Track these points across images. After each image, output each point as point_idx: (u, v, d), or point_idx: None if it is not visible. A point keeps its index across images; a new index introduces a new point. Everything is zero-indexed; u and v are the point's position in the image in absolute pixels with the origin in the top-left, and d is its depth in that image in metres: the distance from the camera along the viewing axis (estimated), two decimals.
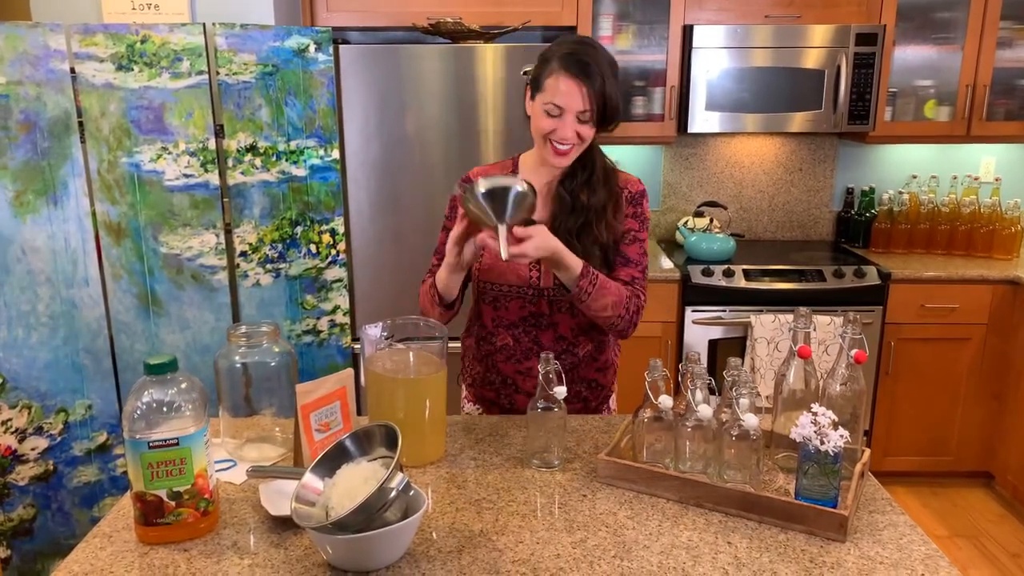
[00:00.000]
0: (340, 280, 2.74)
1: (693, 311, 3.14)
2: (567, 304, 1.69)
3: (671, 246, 3.60)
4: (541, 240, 1.47)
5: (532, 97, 1.61)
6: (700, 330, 3.16)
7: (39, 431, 2.42)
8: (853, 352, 1.37)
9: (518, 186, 1.42)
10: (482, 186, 1.42)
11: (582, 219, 1.64)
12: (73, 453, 2.47)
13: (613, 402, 1.89)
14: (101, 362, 2.46)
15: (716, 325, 3.15)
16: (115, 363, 2.48)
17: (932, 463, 3.33)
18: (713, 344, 3.17)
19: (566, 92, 1.53)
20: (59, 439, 2.45)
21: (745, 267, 3.18)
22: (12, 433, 2.38)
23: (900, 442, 3.30)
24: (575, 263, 1.55)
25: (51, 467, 2.46)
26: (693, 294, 3.13)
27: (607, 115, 1.56)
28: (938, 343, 3.19)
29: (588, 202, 1.64)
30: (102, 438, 2.50)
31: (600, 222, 1.64)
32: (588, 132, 1.58)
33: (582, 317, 1.70)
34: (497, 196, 1.41)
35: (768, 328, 3.05)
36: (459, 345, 1.88)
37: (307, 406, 1.40)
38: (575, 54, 1.54)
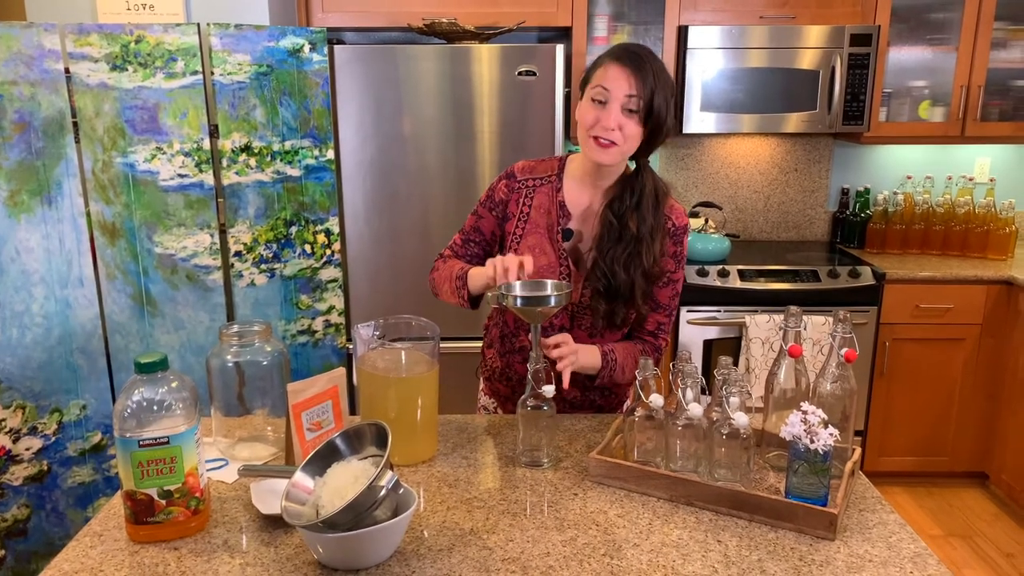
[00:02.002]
0: (335, 280, 2.74)
1: (688, 311, 3.15)
2: (587, 323, 1.67)
3: None
4: (570, 357, 1.54)
5: (581, 96, 1.60)
6: (695, 330, 3.16)
7: (33, 431, 2.42)
8: (843, 351, 1.37)
9: (552, 299, 1.45)
10: (519, 293, 1.46)
11: (630, 248, 1.60)
12: (67, 453, 2.47)
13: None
14: (95, 362, 2.46)
15: (711, 325, 3.16)
16: (109, 363, 2.48)
17: (927, 463, 3.33)
18: (708, 344, 3.17)
19: (614, 77, 1.52)
20: (53, 439, 2.45)
21: (740, 267, 3.18)
22: (6, 433, 2.38)
23: (895, 442, 3.30)
24: (594, 362, 1.61)
25: (45, 467, 2.45)
26: (688, 294, 3.14)
27: (656, 113, 1.52)
28: (933, 343, 3.20)
29: (637, 230, 1.59)
30: (96, 438, 2.50)
31: (649, 252, 1.60)
32: (632, 129, 1.53)
33: (601, 337, 1.68)
34: (532, 302, 1.46)
35: (763, 328, 3.05)
36: (453, 345, 1.89)
37: (298, 405, 1.40)
38: (628, 47, 1.55)
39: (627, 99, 1.51)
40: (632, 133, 1.54)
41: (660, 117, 1.53)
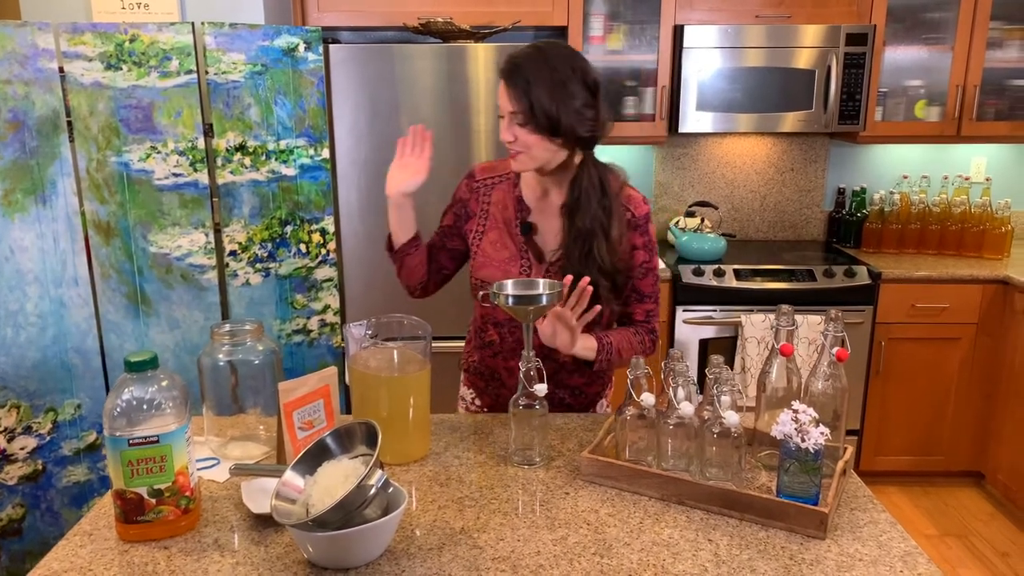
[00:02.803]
0: (330, 279, 2.74)
1: (684, 311, 3.15)
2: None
3: (662, 246, 3.61)
4: (564, 345, 1.56)
5: None
6: (691, 330, 3.16)
7: (28, 430, 2.42)
8: (835, 350, 1.37)
9: (544, 298, 1.46)
10: (510, 292, 1.49)
11: (584, 246, 1.60)
12: (62, 453, 2.47)
13: (601, 408, 1.87)
14: (90, 361, 2.46)
15: (707, 325, 3.16)
16: (104, 362, 2.48)
17: (923, 463, 3.34)
18: (704, 344, 3.17)
19: (500, 94, 1.56)
20: (48, 439, 2.45)
21: (736, 267, 3.18)
22: (1, 432, 2.38)
23: (891, 442, 3.31)
24: (590, 347, 1.61)
25: (40, 467, 2.45)
26: (684, 294, 3.14)
27: (541, 118, 1.51)
28: (929, 343, 3.20)
29: (584, 226, 1.60)
30: (91, 438, 2.50)
31: (599, 247, 1.59)
32: (529, 138, 1.54)
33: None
34: (523, 301, 1.48)
35: (759, 328, 3.05)
36: (445, 344, 1.90)
37: (290, 404, 1.40)
38: (510, 59, 1.55)
39: (511, 115, 1.54)
40: (529, 141, 1.54)
41: (551, 117, 1.51)
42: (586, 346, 1.60)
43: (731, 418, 1.30)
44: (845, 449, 1.41)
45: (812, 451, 1.24)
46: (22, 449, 2.42)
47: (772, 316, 3.00)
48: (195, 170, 2.45)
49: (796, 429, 1.24)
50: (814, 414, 1.26)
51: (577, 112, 1.52)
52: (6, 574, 2.47)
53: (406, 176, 1.69)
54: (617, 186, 1.64)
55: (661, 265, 3.23)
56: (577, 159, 1.61)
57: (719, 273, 3.14)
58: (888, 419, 3.28)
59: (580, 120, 1.53)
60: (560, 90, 1.51)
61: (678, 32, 3.20)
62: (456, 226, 1.79)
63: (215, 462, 1.51)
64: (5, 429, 2.38)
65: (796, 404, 1.27)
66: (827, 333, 1.38)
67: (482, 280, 1.72)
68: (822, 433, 1.24)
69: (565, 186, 1.64)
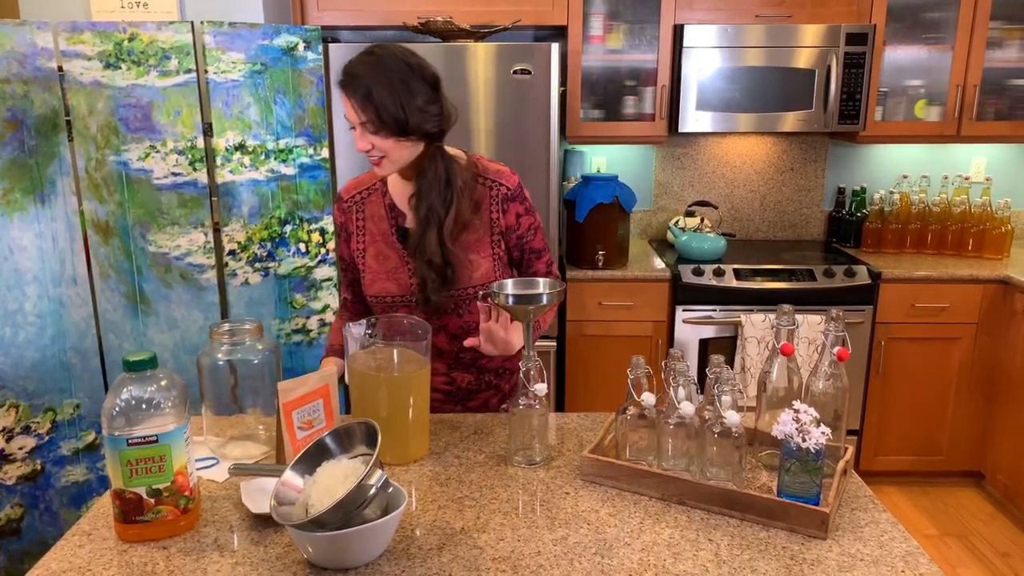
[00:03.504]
0: (329, 279, 2.74)
1: (684, 310, 3.14)
2: (452, 304, 1.70)
3: (662, 245, 3.61)
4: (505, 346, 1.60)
5: None
6: (691, 329, 3.16)
7: (27, 430, 2.41)
8: (836, 349, 1.37)
9: (544, 298, 1.48)
10: (510, 291, 1.51)
11: (422, 231, 1.63)
12: (61, 452, 2.47)
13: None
14: (89, 361, 2.45)
15: (707, 324, 3.15)
16: (103, 362, 2.48)
17: (923, 463, 3.33)
18: (704, 343, 3.17)
19: (346, 108, 1.55)
20: (47, 438, 2.44)
21: (736, 266, 3.18)
22: (0, 432, 2.38)
23: (891, 442, 3.30)
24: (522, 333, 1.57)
25: (39, 466, 2.45)
26: (684, 293, 3.13)
27: (389, 122, 1.52)
28: (928, 342, 3.20)
29: (420, 216, 1.62)
30: (90, 437, 2.50)
31: (428, 238, 1.61)
32: (383, 143, 1.54)
33: (468, 316, 1.71)
34: (523, 300, 1.49)
35: (758, 327, 3.05)
36: None
37: (289, 404, 1.40)
38: (345, 69, 1.54)
39: (362, 125, 1.54)
40: (385, 146, 1.55)
41: (398, 119, 1.52)
42: (521, 335, 1.59)
43: (732, 418, 1.30)
44: (846, 449, 1.41)
45: (813, 451, 1.24)
46: (21, 449, 2.41)
47: (772, 316, 3.02)
48: (194, 169, 2.44)
49: (797, 429, 1.24)
50: (815, 414, 1.25)
51: (421, 109, 1.54)
52: (4, 574, 2.47)
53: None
54: (467, 176, 1.65)
55: (661, 265, 3.23)
56: (419, 150, 1.60)
57: (719, 273, 3.14)
58: (888, 419, 3.28)
59: (425, 116, 1.55)
60: (402, 90, 1.52)
61: (678, 32, 3.19)
62: (350, 252, 1.79)
63: (214, 462, 1.51)
64: (4, 429, 2.38)
65: (797, 404, 1.26)
66: (828, 332, 1.38)
67: (377, 296, 1.72)
68: (823, 433, 1.24)
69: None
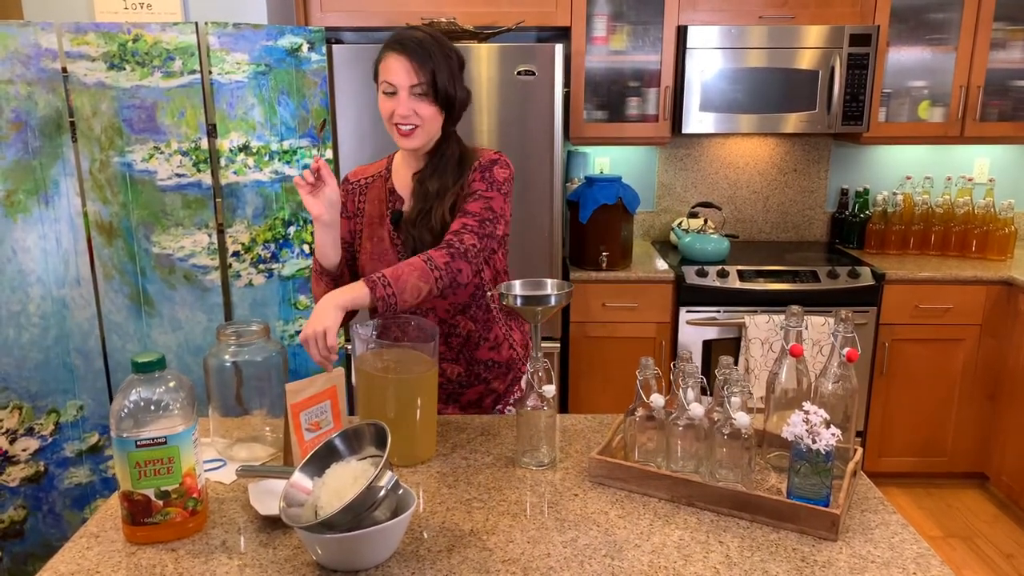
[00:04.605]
0: None
1: (687, 312, 3.14)
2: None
3: (665, 247, 3.60)
4: (314, 317, 1.41)
5: (377, 89, 1.67)
6: (694, 331, 3.16)
7: (30, 432, 2.41)
8: (845, 350, 1.37)
9: (552, 299, 1.47)
10: (518, 292, 1.49)
11: (425, 206, 1.67)
12: (64, 454, 2.46)
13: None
14: (93, 362, 2.45)
15: (710, 326, 3.15)
16: (107, 363, 2.47)
17: (926, 464, 3.33)
18: (707, 345, 3.17)
19: (394, 69, 1.60)
20: (50, 440, 2.44)
21: (739, 268, 3.18)
22: (3, 434, 2.37)
23: (894, 443, 3.30)
24: (361, 291, 1.45)
25: (42, 468, 2.44)
26: (687, 295, 3.13)
27: (442, 91, 1.60)
28: (932, 344, 3.19)
29: (431, 190, 1.67)
30: (94, 439, 2.49)
31: (437, 211, 1.66)
32: (427, 110, 1.61)
33: (455, 297, 1.72)
34: (532, 301, 1.48)
35: (762, 329, 3.05)
36: None
37: (297, 405, 1.39)
38: (399, 36, 1.62)
39: (411, 88, 1.60)
40: (426, 114, 1.62)
41: (448, 93, 1.62)
42: (359, 293, 1.44)
43: (742, 419, 1.29)
44: (855, 450, 1.40)
45: (823, 452, 1.23)
46: (24, 451, 2.41)
47: (776, 317, 3.02)
48: (198, 170, 2.44)
49: (807, 430, 1.24)
50: (825, 415, 1.25)
51: (462, 88, 1.66)
52: None
53: (324, 200, 1.60)
54: (472, 161, 1.71)
55: (664, 266, 3.23)
56: (439, 130, 1.67)
57: (722, 274, 3.13)
58: (892, 420, 3.27)
59: (464, 97, 1.67)
60: (455, 65, 1.64)
61: (681, 33, 3.19)
62: (348, 231, 1.81)
63: (221, 463, 1.50)
64: (7, 431, 2.37)
65: (807, 405, 1.26)
66: (837, 334, 1.37)
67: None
68: (833, 434, 1.23)
69: (423, 163, 1.71)
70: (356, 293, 1.44)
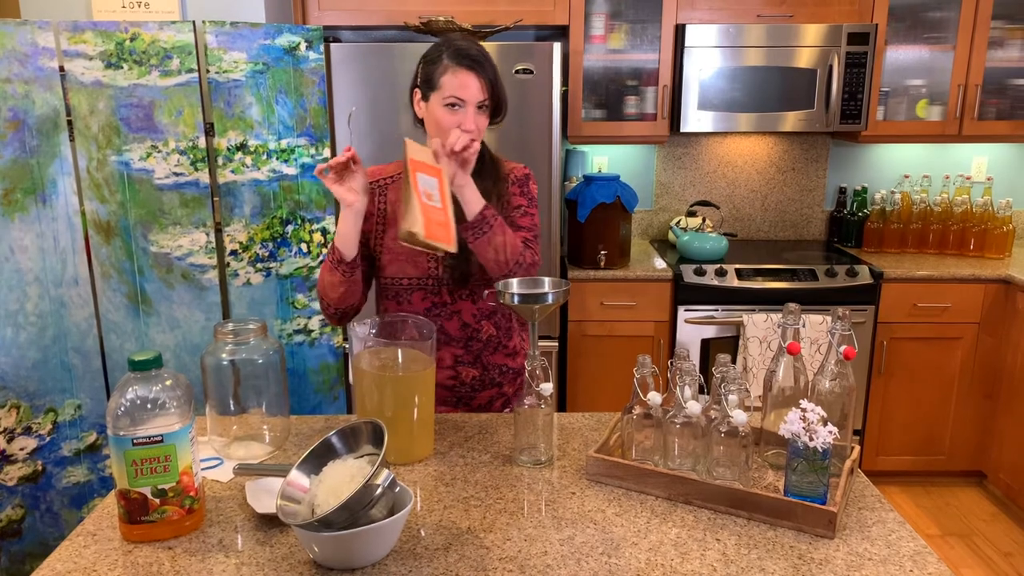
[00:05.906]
0: None
1: (686, 310, 3.14)
2: (467, 292, 1.75)
3: (663, 245, 3.60)
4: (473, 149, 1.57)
5: (425, 98, 1.67)
6: (693, 329, 3.16)
7: (28, 431, 2.40)
8: (842, 348, 1.37)
9: (549, 297, 1.47)
10: (516, 290, 1.51)
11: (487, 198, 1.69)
12: (62, 453, 2.46)
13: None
14: (90, 362, 2.45)
15: (708, 324, 3.15)
16: (104, 363, 2.47)
17: (925, 462, 3.33)
18: (706, 343, 3.17)
19: (468, 85, 1.62)
20: (48, 439, 2.43)
21: (738, 266, 3.18)
22: (1, 433, 2.37)
23: (892, 441, 3.30)
24: (478, 199, 1.61)
25: (40, 467, 2.44)
26: (685, 293, 3.13)
27: (500, 105, 1.68)
28: (930, 342, 3.20)
29: (486, 187, 1.69)
30: (91, 438, 2.49)
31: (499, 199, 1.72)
32: (484, 123, 1.68)
33: (483, 303, 1.75)
34: (529, 299, 1.48)
35: (760, 327, 3.05)
36: None
37: (415, 163, 1.42)
38: (466, 49, 1.64)
39: (481, 103, 1.64)
40: (484, 126, 1.69)
41: (503, 93, 1.69)
42: (475, 198, 1.61)
43: (739, 417, 1.29)
44: (852, 448, 1.41)
45: (820, 450, 1.23)
46: (22, 450, 2.41)
47: (774, 316, 3.02)
48: (196, 169, 2.43)
49: (804, 428, 1.24)
50: (822, 413, 1.25)
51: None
52: (6, 575, 2.46)
53: (358, 187, 1.62)
54: (509, 178, 1.77)
55: (663, 265, 3.23)
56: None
57: (721, 273, 3.14)
58: (890, 419, 3.27)
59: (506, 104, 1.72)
60: (500, 77, 1.68)
61: (679, 31, 3.19)
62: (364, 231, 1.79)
63: (218, 462, 1.50)
64: (5, 430, 2.37)
65: (804, 403, 1.26)
66: (834, 331, 1.37)
67: (393, 277, 1.75)
68: (830, 432, 1.23)
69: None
70: (477, 195, 1.60)
